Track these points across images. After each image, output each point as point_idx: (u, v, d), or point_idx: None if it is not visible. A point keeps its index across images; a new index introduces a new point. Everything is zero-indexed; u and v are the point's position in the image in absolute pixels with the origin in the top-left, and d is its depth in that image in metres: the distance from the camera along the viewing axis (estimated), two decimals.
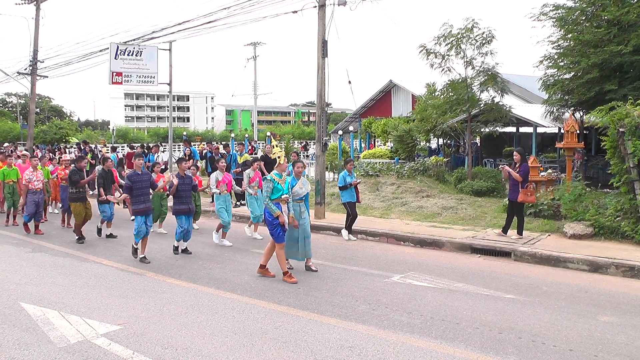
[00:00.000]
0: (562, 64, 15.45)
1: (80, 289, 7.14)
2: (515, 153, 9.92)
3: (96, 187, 11.21)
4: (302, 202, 8.12)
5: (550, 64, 15.69)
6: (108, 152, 18.68)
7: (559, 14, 15.03)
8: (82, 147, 21.50)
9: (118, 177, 12.25)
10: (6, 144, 29.14)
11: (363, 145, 32.82)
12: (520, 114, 18.46)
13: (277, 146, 8.56)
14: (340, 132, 30.86)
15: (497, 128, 18.53)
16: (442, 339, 5.28)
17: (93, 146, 23.23)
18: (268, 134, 36.10)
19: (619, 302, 6.54)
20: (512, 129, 23.31)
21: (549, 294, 6.85)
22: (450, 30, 15.15)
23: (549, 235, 10.02)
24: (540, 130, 21.27)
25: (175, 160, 20.05)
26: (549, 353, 4.93)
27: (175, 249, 9.43)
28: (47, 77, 25.00)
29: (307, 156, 34.42)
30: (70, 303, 6.47)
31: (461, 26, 15.07)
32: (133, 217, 11.61)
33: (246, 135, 37.41)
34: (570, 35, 14.98)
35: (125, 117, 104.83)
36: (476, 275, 7.86)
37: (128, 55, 16.93)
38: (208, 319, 5.89)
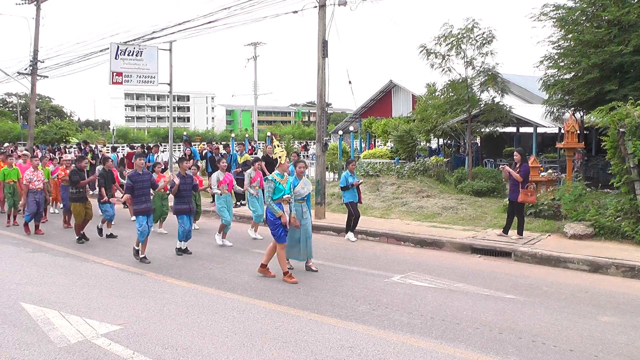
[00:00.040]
0: (562, 64, 15.44)
1: (80, 289, 7.15)
2: (515, 153, 9.92)
3: (97, 187, 11.22)
4: (304, 202, 8.11)
5: (551, 64, 15.69)
6: (108, 152, 18.69)
7: (559, 14, 15.03)
8: (83, 147, 21.51)
9: (119, 177, 12.28)
10: (6, 144, 29.15)
11: (363, 145, 32.82)
12: (521, 114, 18.46)
13: (278, 146, 8.55)
14: (340, 132, 30.88)
15: (498, 128, 18.53)
16: (443, 339, 5.28)
17: (93, 146, 23.23)
18: (268, 134, 36.12)
19: (619, 302, 6.54)
20: (513, 129, 23.32)
21: (549, 294, 6.85)
22: (451, 31, 15.15)
23: (549, 235, 10.02)
24: (540, 130, 21.28)
25: (175, 160, 20.06)
26: (549, 353, 4.93)
27: (179, 250, 9.37)
28: (47, 77, 25.05)
29: (307, 156, 34.44)
30: (70, 303, 6.47)
31: (461, 26, 15.08)
32: (133, 218, 11.63)
33: (246, 136, 37.40)
34: (570, 36, 14.97)
35: (126, 117, 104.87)
36: (476, 275, 7.86)
37: (128, 55, 16.94)
38: (208, 319, 5.89)
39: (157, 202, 11.24)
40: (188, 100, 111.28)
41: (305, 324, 5.70)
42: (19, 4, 23.59)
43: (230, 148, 20.17)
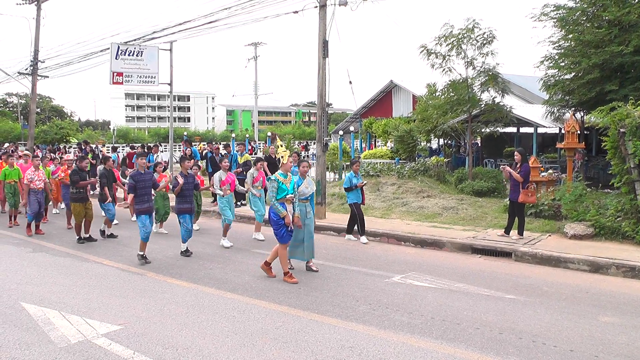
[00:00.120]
0: (562, 64, 15.43)
1: (80, 289, 7.15)
2: (516, 153, 9.92)
3: (99, 187, 11.22)
4: (308, 202, 8.11)
5: (551, 65, 15.68)
6: (109, 152, 18.70)
7: (559, 14, 15.02)
8: (83, 147, 21.52)
9: (120, 177, 12.31)
10: (7, 144, 29.16)
11: (364, 145, 32.82)
12: (521, 114, 18.47)
13: (281, 146, 8.53)
14: (341, 132, 30.90)
15: (498, 128, 18.55)
16: (443, 339, 5.28)
17: (94, 146, 23.24)
18: (269, 134, 36.12)
19: (619, 302, 6.54)
20: (513, 130, 23.33)
21: (550, 295, 6.85)
22: (451, 31, 15.16)
23: (550, 235, 10.02)
24: (540, 130, 21.28)
25: (176, 160, 20.05)
26: (550, 353, 4.93)
27: (186, 251, 9.26)
28: (47, 77, 25.04)
29: (308, 156, 34.44)
30: (70, 303, 6.47)
31: (462, 26, 15.10)
32: (134, 218, 11.64)
33: (247, 136, 37.42)
34: (571, 36, 14.97)
35: (126, 117, 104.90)
36: (477, 275, 7.86)
37: (129, 55, 16.93)
38: (209, 319, 5.89)
39: (159, 201, 11.24)
40: (188, 100, 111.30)
41: (305, 324, 5.70)
42: (20, 4, 23.61)
43: (231, 148, 20.16)
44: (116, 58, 16.73)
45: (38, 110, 54.43)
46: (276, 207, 7.43)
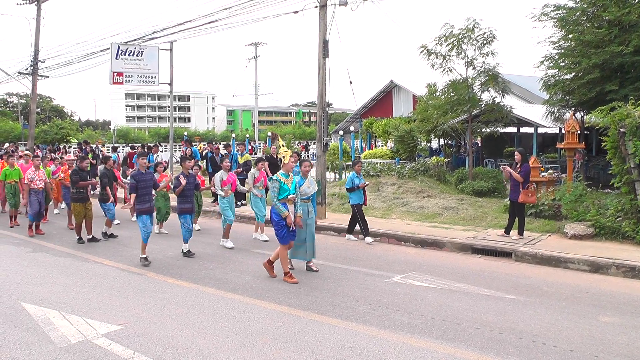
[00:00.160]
0: (563, 64, 15.43)
1: (81, 289, 7.15)
2: (516, 153, 9.92)
3: (99, 187, 11.22)
4: (310, 201, 8.10)
5: (551, 65, 15.68)
6: (109, 152, 18.71)
7: (560, 14, 15.02)
8: (83, 147, 21.52)
9: (121, 177, 12.32)
10: (7, 145, 29.17)
11: (364, 145, 32.82)
12: (521, 114, 18.47)
13: (283, 146, 8.51)
14: (341, 132, 30.91)
15: (498, 128, 18.54)
16: (443, 339, 5.28)
17: (94, 146, 23.24)
18: (269, 134, 36.13)
19: (619, 302, 6.54)
20: (513, 130, 23.32)
21: (550, 295, 6.85)
22: (451, 31, 15.15)
23: (550, 235, 10.02)
24: (541, 130, 21.27)
25: (176, 160, 20.06)
26: (550, 353, 4.93)
27: (188, 252, 9.22)
28: (48, 77, 25.07)
29: (308, 156, 34.43)
30: (71, 303, 6.47)
31: (462, 26, 15.09)
32: (134, 218, 11.64)
33: (247, 136, 37.42)
34: (571, 36, 14.96)
35: (126, 117, 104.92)
36: (477, 275, 7.86)
37: (129, 55, 16.94)
38: (209, 319, 5.89)
39: (160, 201, 11.24)
40: (189, 100, 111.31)
41: (305, 324, 5.70)
42: (20, 4, 23.63)
43: (232, 148, 20.16)
44: (116, 58, 16.74)
45: (38, 110, 54.48)
46: (278, 207, 7.42)
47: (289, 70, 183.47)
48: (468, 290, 7.01)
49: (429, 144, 29.92)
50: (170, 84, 18.05)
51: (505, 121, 17.04)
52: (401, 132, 22.51)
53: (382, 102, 33.76)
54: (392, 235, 10.51)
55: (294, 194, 7.59)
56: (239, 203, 14.20)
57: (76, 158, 12.75)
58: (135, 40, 18.44)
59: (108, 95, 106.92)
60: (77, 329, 5.54)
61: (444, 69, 15.63)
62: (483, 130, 18.84)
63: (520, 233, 9.74)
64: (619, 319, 5.90)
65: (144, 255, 8.67)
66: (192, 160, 10.88)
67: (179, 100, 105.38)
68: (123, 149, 35.88)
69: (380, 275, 7.82)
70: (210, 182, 11.85)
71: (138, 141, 51.72)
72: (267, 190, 10.54)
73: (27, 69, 24.36)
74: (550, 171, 15.77)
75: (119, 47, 16.84)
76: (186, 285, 7.36)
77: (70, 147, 35.39)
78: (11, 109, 74.15)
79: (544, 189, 12.66)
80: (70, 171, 11.15)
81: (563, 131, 15.59)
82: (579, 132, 13.70)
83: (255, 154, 30.04)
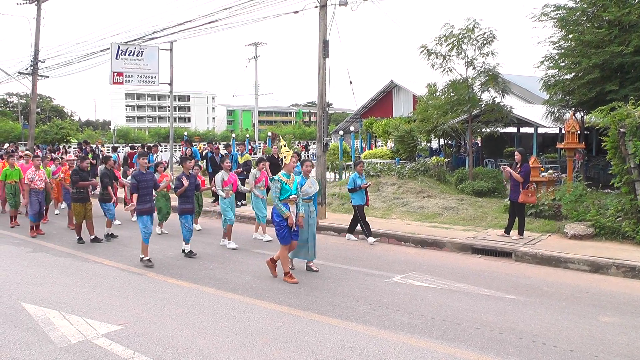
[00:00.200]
0: (563, 64, 15.43)
1: (81, 289, 7.15)
2: (516, 153, 9.92)
3: (100, 187, 11.22)
4: (311, 201, 8.10)
5: (551, 65, 15.68)
6: (109, 152, 18.71)
7: (560, 14, 15.02)
8: (84, 147, 21.53)
9: (121, 177, 12.32)
10: (7, 145, 29.16)
11: (364, 145, 32.82)
12: (521, 114, 18.47)
13: (284, 146, 8.49)
14: (341, 133, 30.93)
15: (498, 128, 18.54)
16: (443, 339, 5.28)
17: (94, 146, 23.25)
18: (269, 134, 36.13)
19: (619, 302, 6.54)
20: (513, 130, 23.32)
21: (550, 295, 6.85)
22: (452, 31, 15.14)
23: (550, 235, 10.02)
24: (541, 130, 21.27)
25: (176, 160, 20.05)
26: (550, 353, 4.93)
27: (190, 252, 9.19)
28: (48, 77, 25.07)
29: (308, 156, 34.43)
30: (71, 303, 6.47)
31: (462, 26, 15.08)
32: (134, 218, 11.64)
33: (247, 136, 37.43)
34: (571, 36, 14.96)
35: (126, 117, 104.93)
36: (477, 275, 7.86)
37: (129, 55, 16.95)
38: (209, 319, 5.89)
39: (162, 201, 11.23)
40: (189, 100, 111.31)
41: (306, 324, 5.71)
42: (20, 4, 23.63)
43: (232, 148, 20.15)
44: (116, 58, 16.76)
45: (38, 110, 54.49)
46: (279, 207, 7.40)
47: (289, 70, 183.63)
48: (468, 290, 7.01)
49: (429, 144, 29.92)
50: (170, 84, 18.06)
51: (505, 121, 17.03)
52: (401, 132, 22.50)
53: (382, 102, 33.75)
54: (392, 235, 10.51)
55: (295, 194, 7.58)
56: (239, 203, 14.20)
57: (76, 158, 12.75)
58: (135, 40, 18.44)
59: (108, 95, 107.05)
60: (77, 329, 5.54)
61: (444, 69, 15.63)
62: (483, 130, 18.84)
63: (521, 233, 9.74)
64: (619, 319, 5.90)
65: (147, 257, 8.60)
66: (193, 161, 10.87)
67: (179, 100, 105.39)
68: (123, 149, 35.92)
69: (381, 275, 7.82)
70: (210, 183, 11.85)
71: (138, 141, 51.72)
72: (268, 190, 10.53)
73: (27, 69, 24.37)
74: (550, 171, 15.77)
75: (119, 47, 16.85)
76: (186, 285, 7.36)
77: (70, 147, 35.40)
78: (11, 109, 74.17)
79: (544, 189, 12.67)
80: (70, 171, 11.16)
81: (563, 131, 15.59)
82: (579, 132, 13.70)
83: (255, 154, 30.04)
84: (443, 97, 17.32)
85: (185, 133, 43.04)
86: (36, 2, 23.72)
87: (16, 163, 13.34)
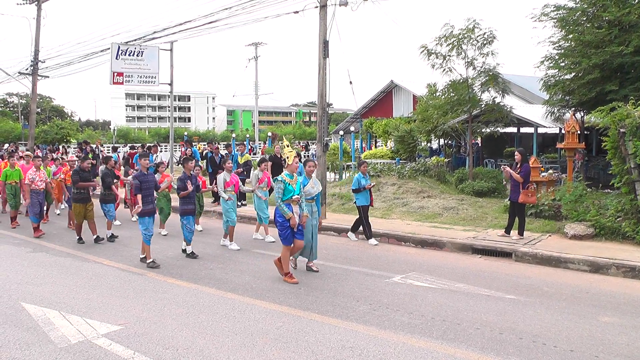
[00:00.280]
0: (563, 64, 15.43)
1: (81, 289, 7.15)
2: (516, 153, 9.92)
3: (104, 187, 11.20)
4: (314, 201, 8.10)
5: (551, 65, 15.68)
6: (108, 152, 18.72)
7: (560, 14, 15.02)
8: (84, 147, 21.54)
9: (122, 176, 12.32)
10: (7, 145, 29.17)
11: (364, 145, 32.82)
12: (521, 114, 18.47)
13: (287, 146, 8.48)
14: (341, 133, 30.93)
15: (498, 128, 18.54)
16: (443, 339, 5.28)
17: (94, 146, 23.25)
18: (269, 134, 36.13)
19: (619, 302, 6.54)
20: (513, 130, 23.33)
21: (550, 295, 6.85)
22: (452, 31, 15.14)
23: (550, 235, 10.02)
24: (541, 130, 21.27)
25: (177, 161, 20.05)
26: (550, 354, 4.93)
27: (191, 254, 9.15)
28: (48, 77, 25.06)
29: (308, 156, 34.42)
30: (71, 303, 6.48)
31: (462, 27, 15.07)
32: (134, 218, 11.65)
33: (247, 136, 37.43)
34: (571, 36, 14.96)
35: (127, 117, 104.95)
36: (477, 275, 7.86)
37: (129, 55, 16.94)
38: (209, 319, 5.89)
39: (163, 202, 11.21)
40: (189, 100, 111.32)
41: (306, 324, 5.71)
42: (20, 4, 23.63)
43: (232, 148, 20.14)
44: (116, 58, 16.74)
45: (38, 110, 54.46)
46: (282, 208, 7.38)
47: (289, 70, 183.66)
48: (468, 291, 7.01)
49: (429, 144, 29.91)
50: (171, 84, 18.05)
51: (505, 121, 17.03)
52: (401, 132, 22.51)
53: (383, 102, 33.76)
54: (393, 236, 10.51)
55: (298, 194, 7.58)
56: (239, 203, 14.18)
57: (77, 159, 12.75)
58: (135, 40, 18.43)
59: (108, 95, 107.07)
60: (77, 329, 5.54)
61: (444, 69, 15.62)
62: (483, 130, 18.83)
63: (521, 233, 9.74)
64: (619, 319, 5.90)
65: (151, 259, 8.51)
66: (193, 161, 10.86)
67: (179, 100, 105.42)
68: (122, 149, 35.92)
69: (381, 276, 7.82)
70: (210, 183, 11.84)
71: (138, 141, 51.74)
72: (271, 190, 10.50)
73: (27, 69, 24.37)
74: (550, 171, 15.77)
75: (119, 47, 16.84)
76: (186, 285, 7.36)
77: (69, 147, 35.40)
78: (11, 109, 74.22)
79: (544, 189, 12.66)
80: (71, 172, 11.16)
81: (563, 131, 15.59)
82: (579, 132, 13.70)
83: (255, 154, 30.04)
84: (443, 97, 17.32)
85: (186, 133, 43.07)
86: (36, 2, 23.72)
87: (17, 163, 13.33)
